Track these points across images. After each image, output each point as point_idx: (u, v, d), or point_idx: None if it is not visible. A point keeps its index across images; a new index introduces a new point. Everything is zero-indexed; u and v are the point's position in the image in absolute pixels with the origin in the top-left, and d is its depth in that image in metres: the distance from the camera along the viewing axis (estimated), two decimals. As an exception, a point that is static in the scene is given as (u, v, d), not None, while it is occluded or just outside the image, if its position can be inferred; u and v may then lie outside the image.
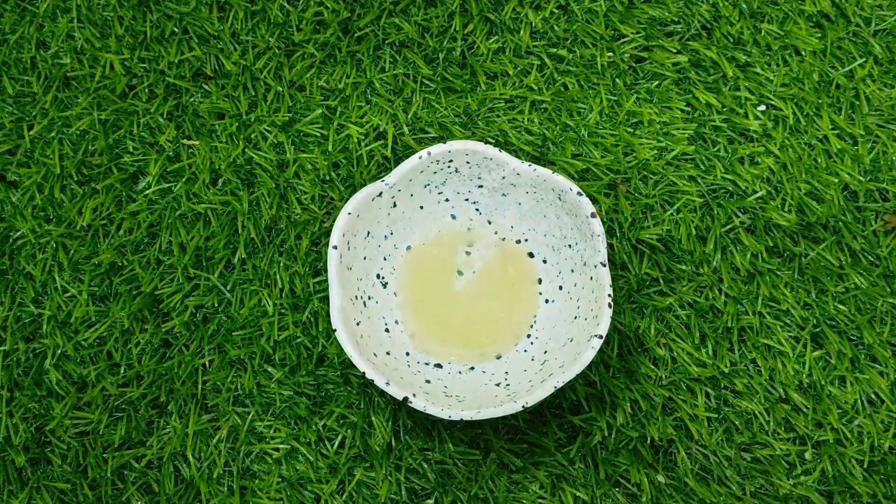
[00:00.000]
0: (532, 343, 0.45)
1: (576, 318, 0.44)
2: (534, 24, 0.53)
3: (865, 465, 0.45)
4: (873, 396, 0.46)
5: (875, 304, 0.47)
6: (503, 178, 0.45)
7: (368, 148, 0.50)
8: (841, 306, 0.47)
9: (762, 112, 0.51)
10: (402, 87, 0.52)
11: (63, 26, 0.53)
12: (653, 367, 0.46)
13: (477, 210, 0.47)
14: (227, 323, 0.48)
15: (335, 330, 0.41)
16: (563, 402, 0.46)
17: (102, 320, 0.48)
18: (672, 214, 0.49)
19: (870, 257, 0.48)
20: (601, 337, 0.40)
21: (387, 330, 0.45)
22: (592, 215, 0.42)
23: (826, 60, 0.52)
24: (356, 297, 0.44)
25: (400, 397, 0.40)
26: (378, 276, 0.46)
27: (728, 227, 0.48)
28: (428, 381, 0.43)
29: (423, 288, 0.46)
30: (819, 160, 0.50)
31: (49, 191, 0.50)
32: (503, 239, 0.47)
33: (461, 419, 0.39)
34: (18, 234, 0.50)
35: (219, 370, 0.47)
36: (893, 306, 0.47)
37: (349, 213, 0.43)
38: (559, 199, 0.44)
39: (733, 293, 0.47)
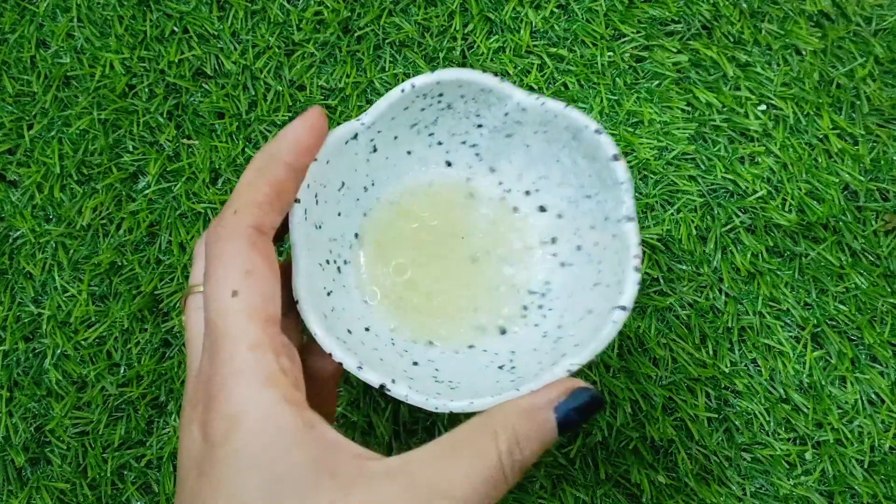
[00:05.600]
0: (544, 315, 0.37)
1: (596, 284, 0.35)
2: (534, 24, 0.52)
3: (866, 466, 0.45)
4: (874, 396, 0.46)
5: (875, 304, 0.47)
6: (506, 114, 0.37)
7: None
8: (841, 306, 0.47)
9: (762, 112, 0.51)
10: (403, 87, 0.52)
11: (63, 25, 0.53)
12: (653, 366, 0.46)
13: (477, 155, 0.39)
14: (226, 322, 0.48)
15: (297, 301, 0.32)
16: (564, 401, 0.46)
17: (102, 320, 0.48)
18: (672, 214, 0.49)
19: (870, 257, 0.48)
20: (625, 308, 0.32)
21: (366, 301, 0.37)
22: (615, 158, 0.34)
23: (826, 60, 0.51)
24: (328, 261, 0.36)
25: (376, 384, 0.31)
26: (357, 235, 0.38)
27: (728, 226, 0.48)
28: (415, 364, 0.36)
29: (413, 250, 0.38)
30: (819, 160, 0.50)
31: (49, 190, 0.50)
32: (508, 190, 0.39)
33: (449, 411, 0.31)
34: (18, 233, 0.50)
35: (219, 370, 0.47)
36: (894, 306, 0.47)
37: (315, 160, 0.34)
38: (574, 138, 0.36)
39: (733, 293, 0.47)
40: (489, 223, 0.39)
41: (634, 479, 0.45)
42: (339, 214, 0.37)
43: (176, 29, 0.53)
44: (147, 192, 0.50)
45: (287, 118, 0.51)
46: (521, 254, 0.39)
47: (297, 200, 0.33)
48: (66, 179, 0.50)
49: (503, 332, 0.37)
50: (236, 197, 0.30)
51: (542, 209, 0.39)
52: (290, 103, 0.51)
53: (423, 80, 0.36)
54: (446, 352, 0.37)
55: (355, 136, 0.36)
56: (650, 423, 0.46)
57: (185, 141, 0.51)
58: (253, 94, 0.52)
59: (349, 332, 0.34)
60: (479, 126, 0.38)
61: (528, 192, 0.39)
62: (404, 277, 0.38)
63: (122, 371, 0.47)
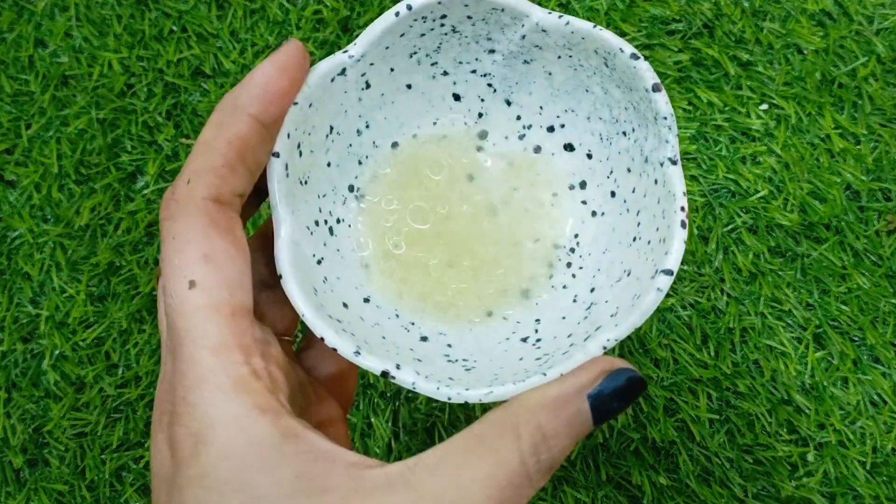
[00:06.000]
0: (574, 275, 0.32)
1: (635, 239, 0.30)
2: (534, 23, 0.52)
3: (868, 467, 0.44)
4: (876, 397, 0.45)
5: (877, 304, 0.47)
6: (523, 37, 0.31)
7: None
8: (843, 307, 0.47)
9: (764, 111, 0.50)
10: (402, 86, 0.51)
11: (61, 25, 0.53)
12: (654, 367, 0.46)
13: (490, 86, 0.33)
14: (225, 323, 0.48)
15: (280, 276, 0.27)
16: (564, 403, 0.46)
17: (101, 321, 0.48)
18: (674, 214, 0.48)
19: (872, 257, 0.48)
20: (670, 273, 0.27)
21: (365, 265, 0.32)
22: (655, 88, 0.29)
23: (828, 59, 0.51)
24: (317, 222, 0.31)
25: (377, 371, 0.26)
26: (351, 188, 0.33)
27: (730, 226, 0.48)
28: (424, 339, 0.31)
29: (419, 200, 0.33)
30: (821, 159, 0.49)
31: (47, 190, 0.50)
32: (528, 126, 0.33)
33: (466, 402, 0.26)
34: (16, 233, 0.50)
35: (218, 371, 0.47)
36: (896, 307, 0.47)
37: (296, 104, 0.28)
38: (605, 65, 0.30)
39: (735, 293, 0.47)
40: (506, 165, 0.34)
41: (636, 481, 0.45)
42: (329, 165, 0.32)
43: (174, 28, 0.53)
44: (145, 192, 0.50)
45: (286, 118, 0.51)
46: (544, 201, 0.33)
47: (275, 155, 0.28)
48: (64, 179, 0.50)
49: (526, 295, 0.32)
50: (190, 162, 0.25)
51: (569, 148, 0.33)
52: (290, 103, 0.51)
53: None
54: (460, 321, 0.32)
55: (343, 72, 0.30)
56: (651, 425, 0.45)
57: (183, 140, 0.51)
58: (252, 93, 0.52)
59: (345, 306, 0.30)
60: (492, 52, 0.32)
61: (551, 128, 0.33)
62: (410, 234, 0.33)
63: (120, 372, 0.47)
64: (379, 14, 0.52)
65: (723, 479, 0.45)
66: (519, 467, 0.23)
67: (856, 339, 0.47)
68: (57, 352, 0.47)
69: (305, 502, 0.22)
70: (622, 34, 0.52)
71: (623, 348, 0.47)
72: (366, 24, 0.52)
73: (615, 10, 0.52)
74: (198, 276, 0.23)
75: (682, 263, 0.48)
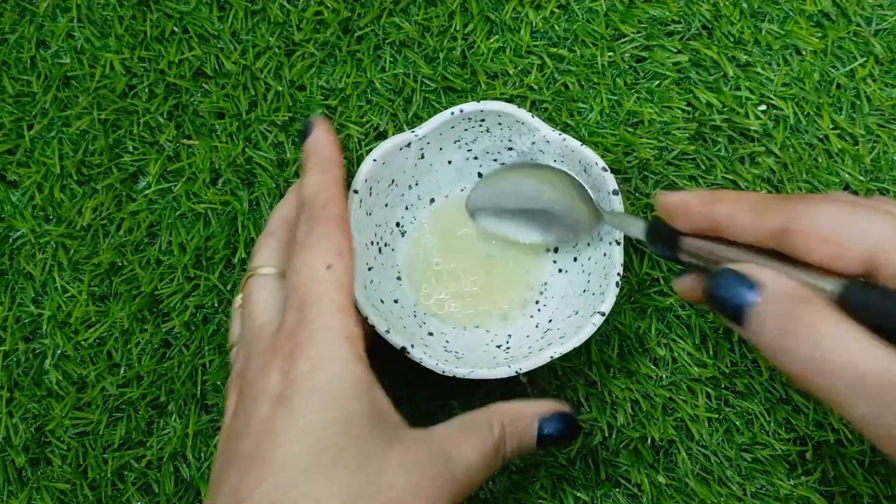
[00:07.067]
0: (539, 310, 0.45)
1: (584, 291, 0.43)
2: (534, 24, 0.52)
3: (866, 466, 0.45)
4: (874, 396, 0.46)
5: (876, 304, 0.47)
6: (533, 143, 0.45)
7: (368, 147, 0.50)
8: (842, 306, 0.47)
9: (763, 112, 0.51)
10: (403, 87, 0.52)
11: (63, 26, 0.53)
12: (653, 367, 0.46)
13: None
14: (227, 323, 0.48)
15: None
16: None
17: (102, 320, 0.48)
18: (672, 214, 0.49)
19: (870, 257, 0.48)
20: (603, 314, 0.40)
21: (398, 278, 0.45)
22: (614, 192, 0.42)
23: (827, 60, 0.51)
24: (372, 242, 0.44)
25: (398, 346, 0.39)
26: (398, 224, 0.46)
27: (729, 226, 0.48)
28: (430, 334, 0.43)
29: (441, 241, 0.47)
30: (820, 160, 0.50)
31: (49, 190, 0.50)
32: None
33: (454, 375, 0.39)
34: (18, 233, 0.50)
35: (219, 370, 0.47)
36: (894, 306, 0.47)
37: (374, 160, 0.42)
38: (584, 171, 0.44)
39: (734, 293, 0.47)
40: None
41: (635, 480, 0.45)
42: (386, 205, 0.45)
43: (176, 29, 0.53)
44: (147, 192, 0.50)
45: (287, 118, 0.51)
46: (528, 256, 0.46)
47: (355, 191, 0.42)
48: (66, 180, 0.50)
49: (504, 318, 0.45)
50: (319, 193, 0.37)
51: None
52: (291, 103, 0.51)
53: (471, 107, 0.43)
54: (457, 327, 0.45)
55: (409, 144, 0.44)
56: (650, 424, 0.46)
57: (184, 141, 0.51)
58: (253, 94, 0.52)
59: (382, 301, 0.43)
60: (510, 149, 0.46)
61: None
62: (431, 262, 0.46)
63: (122, 371, 0.47)
64: (379, 15, 0.52)
65: (721, 478, 0.45)
66: (491, 445, 0.35)
67: (854, 338, 0.47)
68: (59, 351, 0.48)
69: (372, 430, 0.32)
70: (621, 35, 0.52)
71: (623, 349, 0.47)
72: (366, 26, 0.52)
73: (614, 10, 0.52)
74: (333, 262, 0.34)
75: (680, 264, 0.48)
